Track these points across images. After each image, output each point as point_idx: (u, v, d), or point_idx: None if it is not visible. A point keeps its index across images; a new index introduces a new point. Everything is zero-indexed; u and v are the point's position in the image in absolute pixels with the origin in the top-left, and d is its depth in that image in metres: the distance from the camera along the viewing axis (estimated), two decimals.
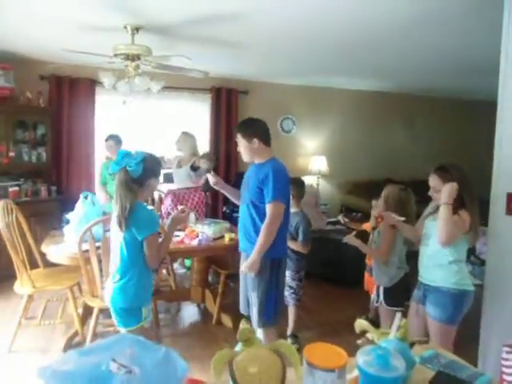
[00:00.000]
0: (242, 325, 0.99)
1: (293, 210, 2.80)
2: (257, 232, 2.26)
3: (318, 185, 6.00)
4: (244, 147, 2.33)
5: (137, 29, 3.18)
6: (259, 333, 2.36)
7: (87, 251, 2.55)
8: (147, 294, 2.01)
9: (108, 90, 3.65)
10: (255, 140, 2.29)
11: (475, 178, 2.12)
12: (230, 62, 4.59)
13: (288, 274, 2.83)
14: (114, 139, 4.00)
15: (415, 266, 2.22)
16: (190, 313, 3.69)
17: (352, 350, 1.00)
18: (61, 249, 2.81)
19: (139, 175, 1.86)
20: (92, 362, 0.81)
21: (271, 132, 2.41)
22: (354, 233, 2.65)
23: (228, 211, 5.22)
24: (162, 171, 2.05)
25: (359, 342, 1.13)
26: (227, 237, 3.14)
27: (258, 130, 2.35)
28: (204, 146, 5.43)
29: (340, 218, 4.46)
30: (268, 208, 2.23)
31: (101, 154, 4.55)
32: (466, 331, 2.10)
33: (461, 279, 2.00)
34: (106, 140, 4.04)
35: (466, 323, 2.07)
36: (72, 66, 3.85)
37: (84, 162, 4.83)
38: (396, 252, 2.51)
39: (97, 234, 2.57)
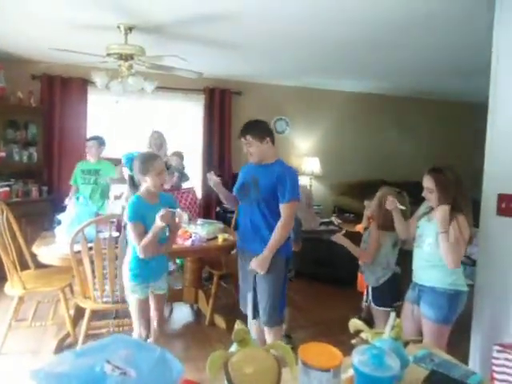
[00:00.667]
0: (237, 325, 0.99)
1: None
2: (270, 230, 2.27)
3: (310, 186, 6.01)
4: (256, 148, 2.31)
5: (130, 28, 3.17)
6: (268, 332, 2.37)
7: (79, 252, 2.53)
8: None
9: (100, 89, 3.62)
10: (268, 139, 2.32)
11: (468, 180, 2.14)
12: (224, 62, 4.59)
13: None
14: (97, 140, 3.91)
15: (408, 266, 2.23)
16: (182, 314, 3.67)
17: (345, 349, 1.01)
18: (52, 250, 2.78)
19: (135, 175, 2.21)
20: (86, 364, 0.81)
21: None
22: (342, 231, 2.67)
23: (221, 211, 5.21)
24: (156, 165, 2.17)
25: (354, 341, 1.14)
26: (221, 237, 3.12)
27: (269, 130, 2.39)
28: (197, 147, 5.43)
29: (333, 218, 4.49)
30: (285, 207, 2.25)
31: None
32: (457, 330, 2.12)
33: (456, 279, 2.02)
34: (88, 140, 3.97)
35: (457, 322, 2.09)
36: (64, 66, 3.82)
37: (75, 163, 4.74)
38: (383, 253, 2.52)
39: (89, 234, 2.54)
